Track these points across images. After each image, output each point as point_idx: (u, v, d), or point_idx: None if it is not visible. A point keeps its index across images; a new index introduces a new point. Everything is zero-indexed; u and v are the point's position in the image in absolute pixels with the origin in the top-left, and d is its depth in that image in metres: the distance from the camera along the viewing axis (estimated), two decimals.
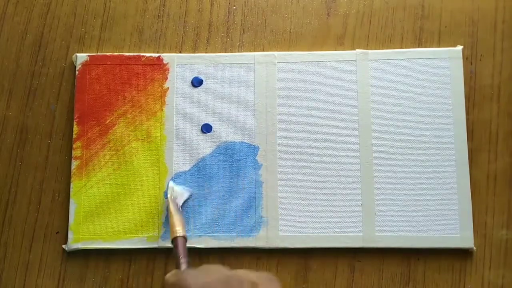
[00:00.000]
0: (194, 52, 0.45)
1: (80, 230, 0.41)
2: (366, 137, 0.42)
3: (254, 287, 0.25)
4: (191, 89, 0.43)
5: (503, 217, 0.41)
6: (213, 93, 0.43)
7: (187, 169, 0.42)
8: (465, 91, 0.42)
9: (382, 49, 0.44)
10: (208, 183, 0.42)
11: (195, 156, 0.42)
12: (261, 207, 0.41)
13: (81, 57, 0.44)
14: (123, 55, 0.44)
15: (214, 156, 0.42)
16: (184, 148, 0.42)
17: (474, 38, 0.44)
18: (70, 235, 0.41)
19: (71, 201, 0.42)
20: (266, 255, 0.41)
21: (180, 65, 0.44)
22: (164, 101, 0.43)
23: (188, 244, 0.41)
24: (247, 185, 0.42)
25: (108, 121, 0.43)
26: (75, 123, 0.43)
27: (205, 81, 0.43)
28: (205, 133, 0.43)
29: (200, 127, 0.43)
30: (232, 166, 0.42)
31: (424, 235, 0.40)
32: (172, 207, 0.39)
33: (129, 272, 0.41)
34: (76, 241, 0.41)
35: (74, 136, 0.43)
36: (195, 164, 0.42)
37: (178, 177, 0.42)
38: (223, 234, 0.41)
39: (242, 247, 0.41)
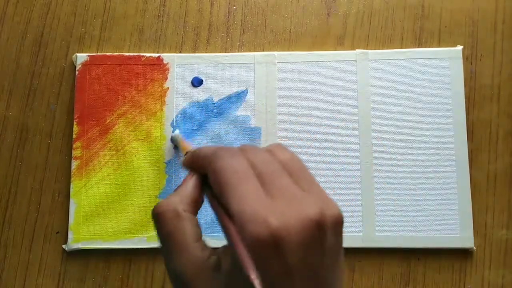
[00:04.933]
0: (194, 52, 0.45)
1: (80, 230, 0.41)
2: (366, 137, 0.42)
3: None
4: (191, 89, 0.43)
5: (503, 217, 0.41)
6: (213, 93, 0.43)
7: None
8: (465, 91, 0.42)
9: (382, 49, 0.44)
10: None
11: None
12: None
13: (81, 57, 0.44)
14: (123, 55, 0.44)
15: None
16: None
17: (474, 38, 0.44)
18: (70, 235, 0.41)
19: (71, 201, 0.42)
20: None
21: (180, 65, 0.44)
22: (164, 101, 0.43)
23: None
24: None
25: (108, 121, 0.43)
26: (75, 123, 0.43)
27: (205, 81, 0.43)
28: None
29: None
30: None
31: (424, 235, 0.40)
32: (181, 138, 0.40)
33: (129, 272, 0.41)
34: (76, 241, 0.41)
35: (74, 136, 0.43)
36: None
37: (179, 177, 0.42)
38: (223, 234, 0.41)
39: None
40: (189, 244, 0.22)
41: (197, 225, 0.23)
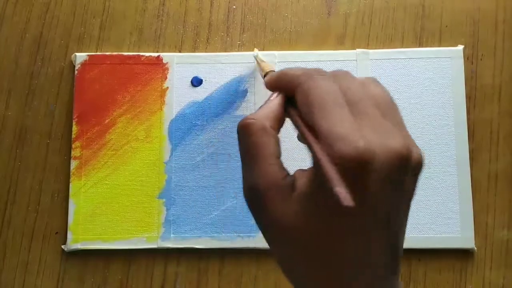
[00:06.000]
0: (194, 52, 0.44)
1: (79, 231, 0.41)
2: None
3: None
4: (191, 88, 0.43)
5: (504, 217, 0.41)
6: (213, 92, 0.43)
7: (187, 169, 0.42)
8: (466, 91, 0.42)
9: (383, 48, 0.44)
10: (208, 183, 0.42)
11: (195, 156, 0.42)
12: None
13: (80, 56, 0.44)
14: (122, 54, 0.44)
15: (214, 156, 0.42)
16: (184, 148, 0.42)
17: (475, 37, 0.44)
18: (69, 236, 0.41)
19: (70, 201, 0.42)
20: (266, 255, 0.41)
21: (180, 64, 0.44)
22: (164, 101, 0.43)
23: (188, 245, 0.41)
24: None
25: (107, 121, 0.43)
26: (74, 123, 0.43)
27: (205, 80, 0.43)
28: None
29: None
30: (232, 166, 0.42)
31: (425, 235, 0.40)
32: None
33: (128, 272, 0.41)
34: (75, 242, 0.41)
35: (73, 136, 0.42)
36: (195, 164, 0.42)
37: (179, 177, 0.42)
38: (223, 234, 0.41)
39: (242, 248, 0.41)
40: (270, 159, 0.22)
41: (279, 144, 0.23)
